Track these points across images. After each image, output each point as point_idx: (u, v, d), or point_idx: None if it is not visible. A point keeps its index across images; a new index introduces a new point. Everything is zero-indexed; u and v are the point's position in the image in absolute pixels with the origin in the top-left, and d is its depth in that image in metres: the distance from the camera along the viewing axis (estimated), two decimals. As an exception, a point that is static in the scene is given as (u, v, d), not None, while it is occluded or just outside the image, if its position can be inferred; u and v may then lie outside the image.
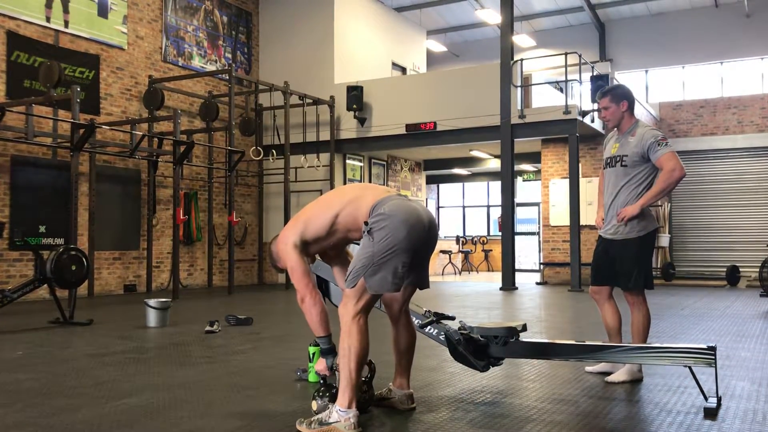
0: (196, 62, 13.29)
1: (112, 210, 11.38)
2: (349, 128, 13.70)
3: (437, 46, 19.79)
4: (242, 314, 7.14)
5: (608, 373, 4.15)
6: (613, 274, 4.17)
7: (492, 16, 17.40)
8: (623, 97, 4.19)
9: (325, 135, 13.48)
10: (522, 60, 12.73)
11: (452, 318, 3.74)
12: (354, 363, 2.91)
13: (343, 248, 3.47)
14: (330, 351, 3.26)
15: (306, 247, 3.23)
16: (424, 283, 3.27)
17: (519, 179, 19.61)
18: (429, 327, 3.77)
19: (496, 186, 19.34)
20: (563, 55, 12.41)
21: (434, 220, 3.19)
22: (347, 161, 14.29)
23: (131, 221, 11.74)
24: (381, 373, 3.73)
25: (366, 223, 3.02)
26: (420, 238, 3.04)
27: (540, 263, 15.21)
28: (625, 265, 4.09)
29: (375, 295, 3.03)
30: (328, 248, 3.35)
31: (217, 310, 8.40)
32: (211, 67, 13.53)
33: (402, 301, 3.35)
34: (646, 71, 19.13)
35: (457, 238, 19.91)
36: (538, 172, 16.80)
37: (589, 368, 4.34)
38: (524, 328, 3.69)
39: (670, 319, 7.34)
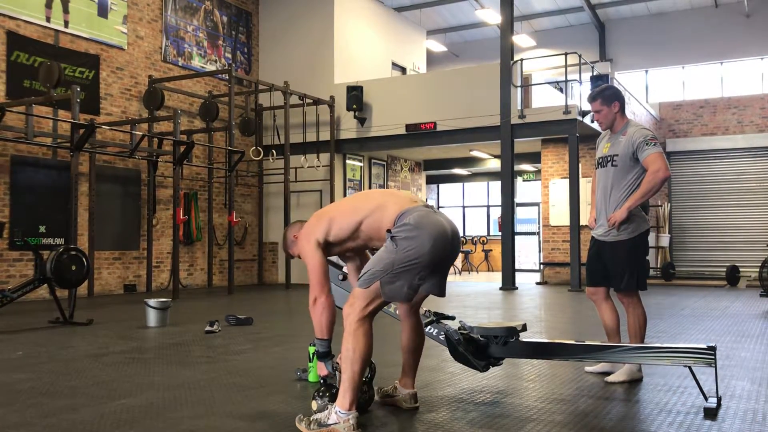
0: (196, 62, 13.29)
1: (112, 210, 11.38)
2: (349, 128, 13.70)
3: (437, 46, 19.78)
4: (242, 314, 7.14)
5: (608, 373, 4.15)
6: (607, 275, 4.17)
7: (492, 16, 17.40)
8: (614, 98, 4.19)
9: (325, 135, 13.48)
10: (522, 60, 12.72)
11: (452, 318, 3.75)
12: (358, 365, 2.89)
13: (363, 251, 3.46)
14: (326, 355, 3.27)
15: (328, 247, 3.22)
16: (442, 292, 3.19)
17: (519, 179, 19.61)
18: (429, 327, 3.77)
19: (496, 186, 19.33)
20: (563, 55, 12.40)
21: (457, 231, 3.16)
22: (347, 161, 14.29)
23: (131, 221, 11.74)
24: (381, 373, 3.73)
25: (389, 231, 3.01)
26: (444, 251, 3.02)
27: (540, 263, 15.20)
28: (617, 266, 4.09)
29: (386, 301, 3.01)
30: (347, 250, 3.35)
31: (217, 310, 8.40)
32: (211, 67, 13.53)
33: (415, 302, 3.34)
34: (646, 71, 19.12)
35: (457, 238, 19.88)
36: (538, 172, 16.79)
37: (589, 368, 4.33)
38: (524, 328, 3.70)
39: (670, 319, 7.34)
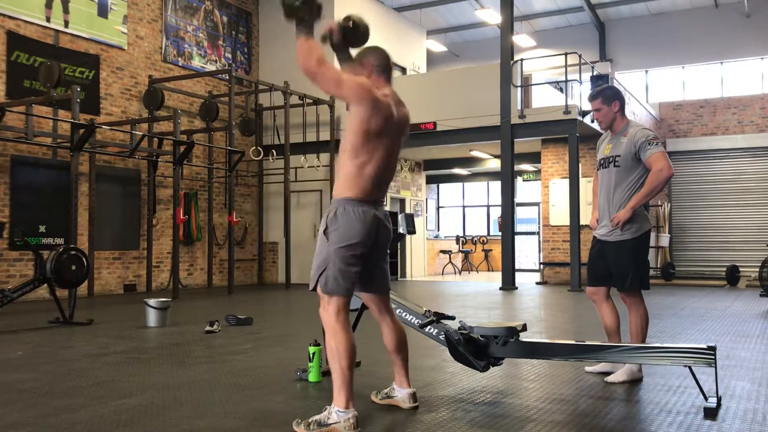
0: (196, 62, 13.29)
1: (112, 210, 11.38)
2: (349, 128, 13.67)
3: (437, 46, 19.78)
4: (242, 314, 7.14)
5: (608, 373, 4.15)
6: (608, 275, 4.18)
7: (492, 16, 17.39)
8: (614, 97, 4.21)
9: (325, 135, 13.47)
10: (522, 60, 12.72)
11: (452, 318, 3.75)
12: (345, 361, 2.96)
13: None
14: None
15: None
16: (385, 286, 3.37)
17: (519, 179, 19.61)
18: (429, 327, 3.78)
19: (496, 186, 19.34)
20: (563, 55, 12.40)
21: (387, 217, 3.22)
22: (347, 161, 14.25)
23: (131, 221, 11.74)
24: (378, 374, 3.73)
25: (322, 226, 3.11)
26: (373, 233, 3.10)
27: (540, 263, 15.20)
28: (620, 266, 4.09)
29: (346, 297, 3.09)
30: None
31: (217, 310, 8.40)
32: (211, 67, 13.52)
33: (378, 303, 3.40)
34: (646, 71, 19.12)
35: (457, 238, 19.91)
36: (538, 172, 16.80)
37: (589, 368, 4.34)
38: (524, 328, 3.70)
39: (670, 319, 7.34)
